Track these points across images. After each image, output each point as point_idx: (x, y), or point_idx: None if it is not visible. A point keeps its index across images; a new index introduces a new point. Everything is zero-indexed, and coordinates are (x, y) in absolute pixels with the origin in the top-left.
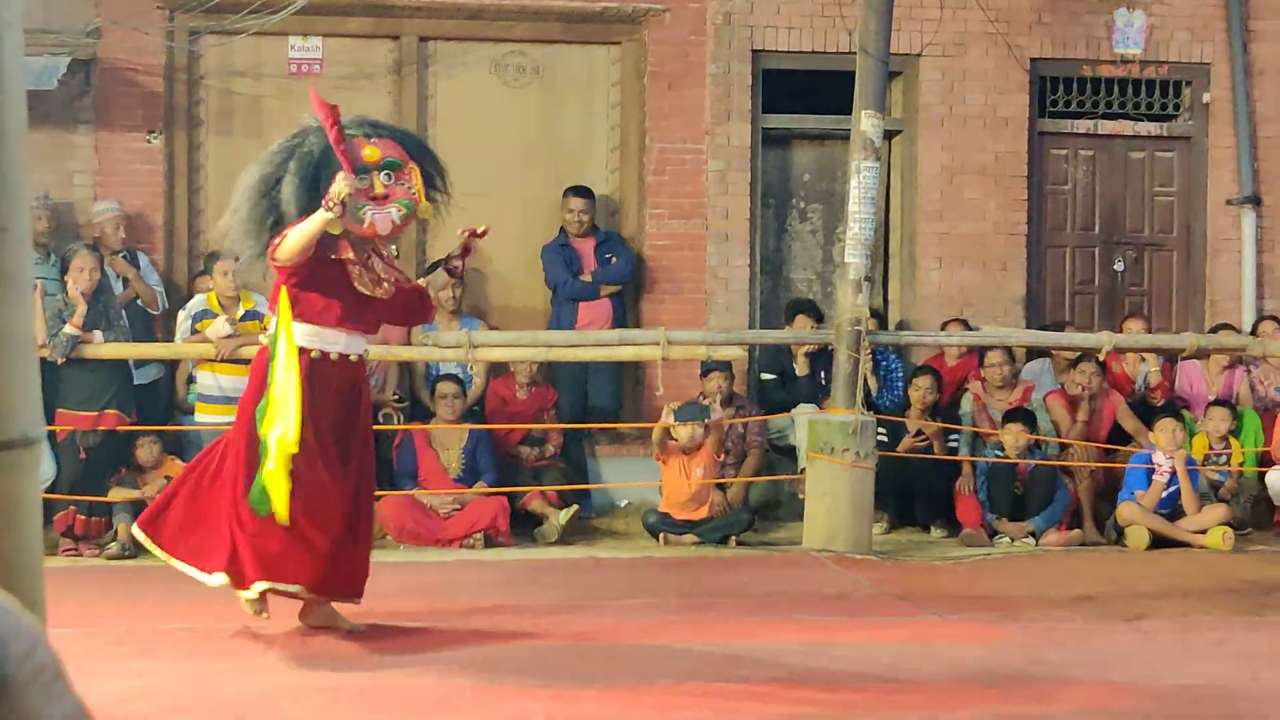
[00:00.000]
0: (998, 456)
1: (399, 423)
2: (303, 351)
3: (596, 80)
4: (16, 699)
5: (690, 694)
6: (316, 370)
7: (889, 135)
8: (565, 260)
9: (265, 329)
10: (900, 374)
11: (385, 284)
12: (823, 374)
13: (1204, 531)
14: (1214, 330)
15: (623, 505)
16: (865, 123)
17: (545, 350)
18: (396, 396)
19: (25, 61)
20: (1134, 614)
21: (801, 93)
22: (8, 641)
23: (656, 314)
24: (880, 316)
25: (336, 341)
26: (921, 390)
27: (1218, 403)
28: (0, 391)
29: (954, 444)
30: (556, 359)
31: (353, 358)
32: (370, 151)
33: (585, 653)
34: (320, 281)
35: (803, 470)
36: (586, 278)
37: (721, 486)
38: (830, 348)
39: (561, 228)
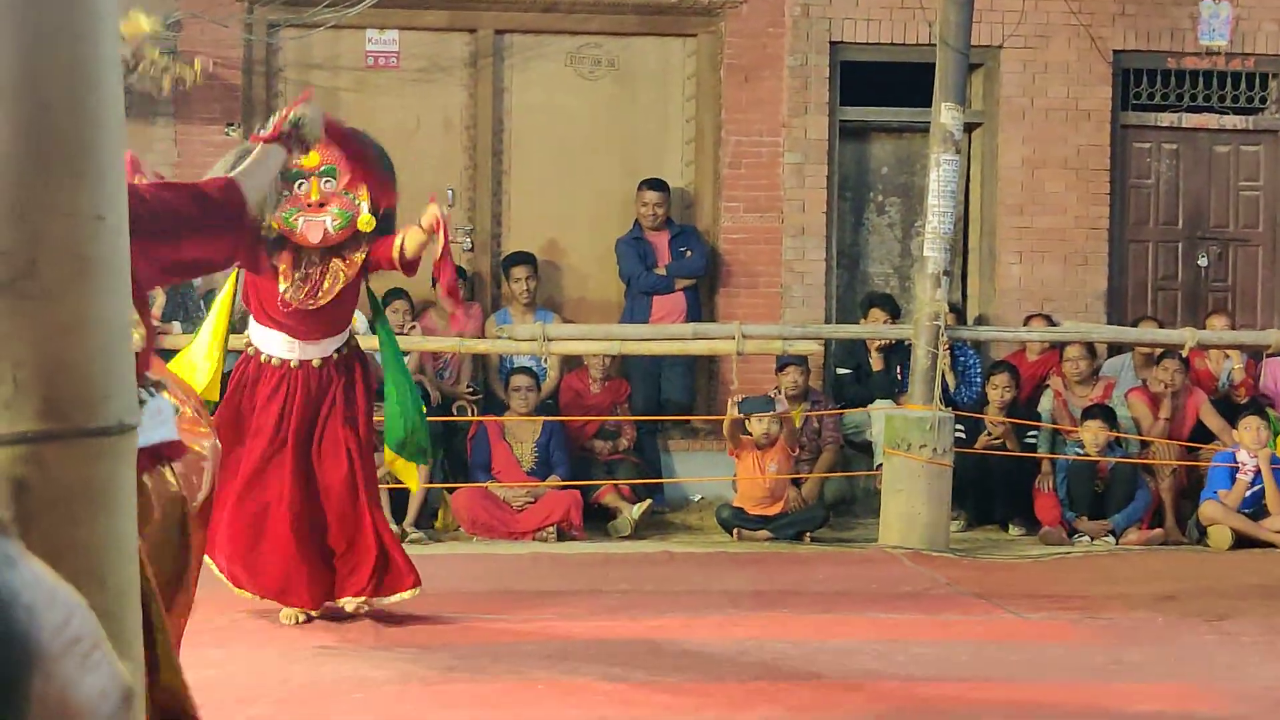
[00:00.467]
0: (1078, 454)
1: (473, 415)
2: (246, 350)
3: (672, 72)
4: (50, 669)
5: (762, 692)
6: (250, 371)
7: (969, 128)
8: (640, 253)
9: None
10: (979, 370)
11: (321, 297)
12: (899, 369)
13: None
14: None
15: (696, 500)
16: (945, 115)
17: (619, 344)
18: (470, 389)
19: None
20: (1216, 614)
21: (880, 85)
22: (42, 610)
23: (731, 308)
24: (959, 311)
25: (274, 345)
26: (1000, 388)
27: None
28: (97, 379)
29: (1033, 440)
30: (630, 353)
31: (302, 363)
32: (309, 157)
33: (657, 647)
34: (262, 284)
35: (879, 466)
36: (661, 271)
37: (796, 482)
38: (907, 343)
39: (636, 221)
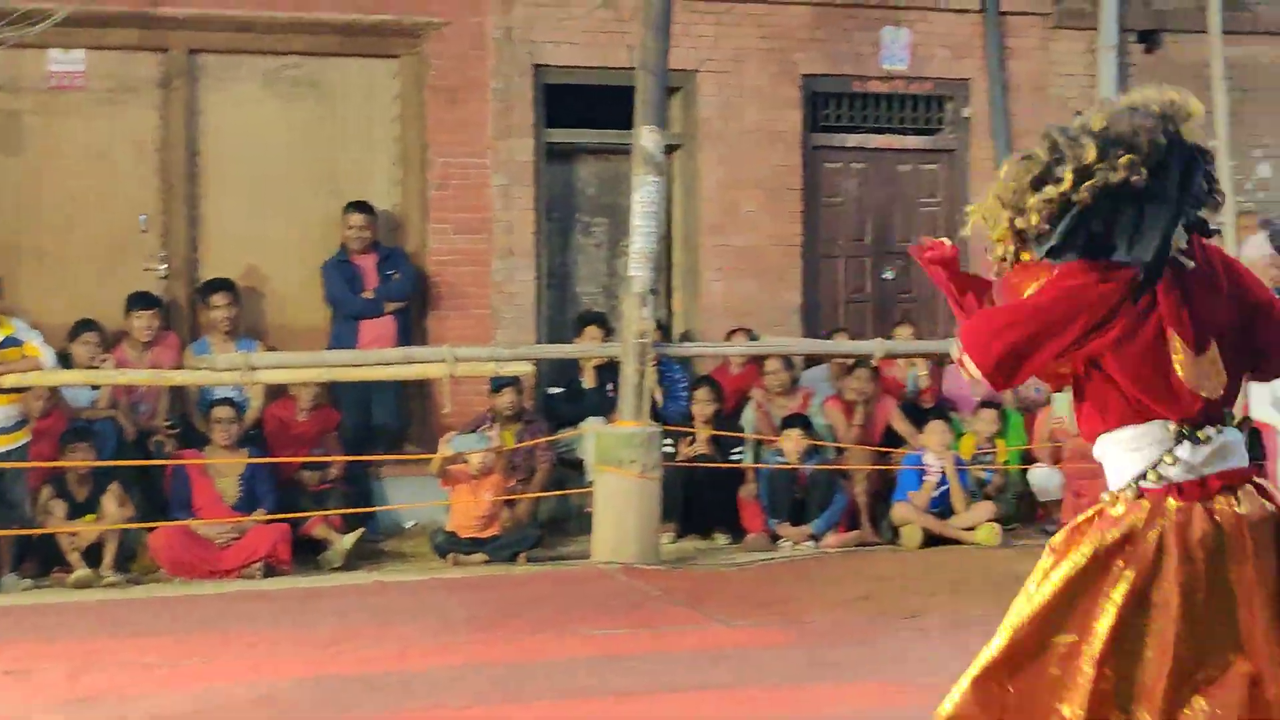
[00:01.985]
0: (779, 463)
1: (171, 451)
2: None
3: (376, 93)
4: None
5: (479, 718)
6: None
7: (670, 149)
8: (346, 277)
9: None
10: (685, 384)
11: None
12: (609, 386)
13: (973, 528)
14: None
15: (410, 526)
16: (646, 138)
17: (327, 371)
18: (168, 423)
19: None
20: (910, 611)
21: (584, 107)
22: None
23: (441, 330)
24: (665, 328)
25: None
26: (703, 401)
27: (984, 404)
28: None
29: (739, 453)
30: (339, 379)
31: None
32: None
33: (370, 681)
34: None
35: (591, 483)
36: (369, 294)
37: (510, 503)
38: (617, 361)
39: (342, 244)
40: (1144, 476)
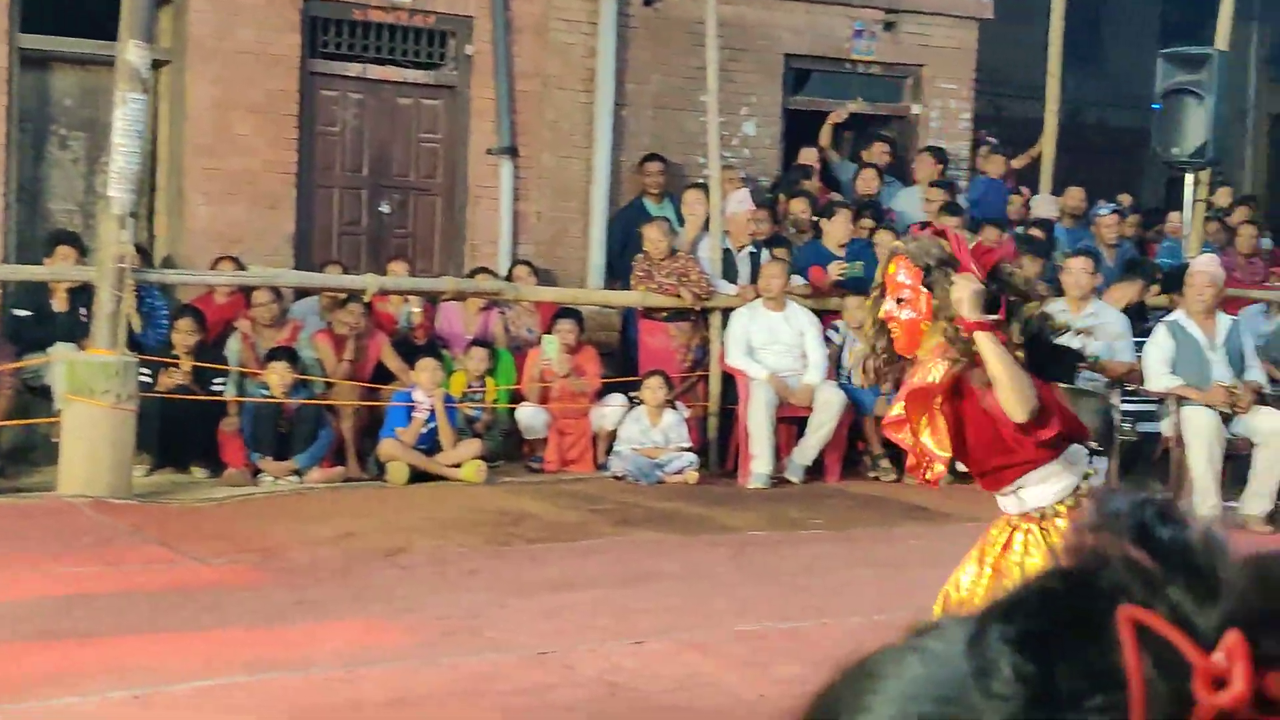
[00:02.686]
0: (264, 396)
1: None
2: None
3: None
4: None
5: None
6: None
7: (157, 65)
8: None
9: None
10: (166, 311)
11: None
12: (83, 311)
13: (460, 465)
14: (473, 274)
15: None
16: (131, 53)
17: None
18: None
19: None
20: (394, 548)
21: (63, 14)
22: None
23: None
24: (146, 252)
25: None
26: (185, 331)
27: (476, 343)
28: None
29: (222, 384)
30: None
31: None
32: None
33: None
34: None
35: (59, 412)
36: None
37: None
38: (92, 285)
39: None
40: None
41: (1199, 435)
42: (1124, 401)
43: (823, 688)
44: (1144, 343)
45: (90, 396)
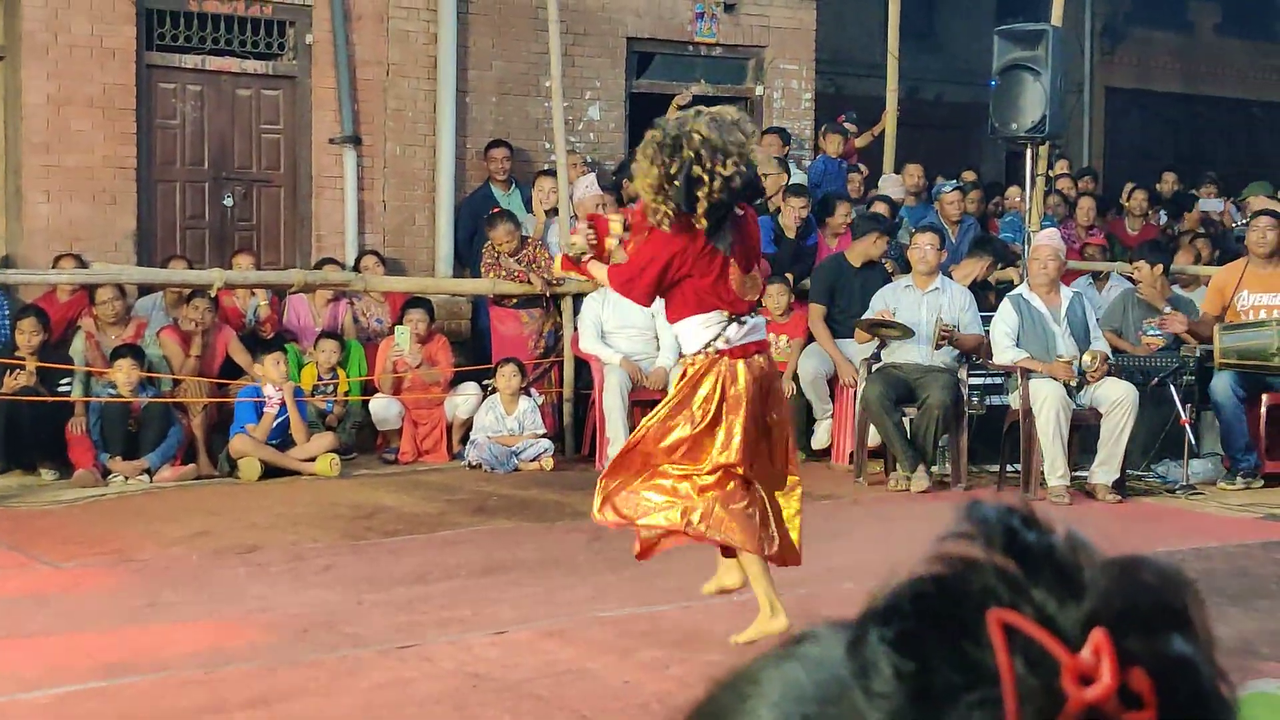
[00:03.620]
0: (111, 394)
1: None
2: None
3: None
4: None
5: None
6: None
7: None
8: None
9: None
10: (7, 312)
11: None
12: None
13: (313, 459)
14: (319, 265)
15: None
16: None
17: None
18: None
19: None
20: (247, 546)
21: None
22: None
23: None
24: None
25: None
26: (28, 332)
27: (325, 335)
28: None
29: (68, 384)
30: None
31: None
32: None
33: None
34: None
35: None
36: None
37: None
38: None
39: None
40: (710, 344)
41: (1046, 407)
42: (971, 375)
43: (702, 697)
44: (990, 317)
45: None
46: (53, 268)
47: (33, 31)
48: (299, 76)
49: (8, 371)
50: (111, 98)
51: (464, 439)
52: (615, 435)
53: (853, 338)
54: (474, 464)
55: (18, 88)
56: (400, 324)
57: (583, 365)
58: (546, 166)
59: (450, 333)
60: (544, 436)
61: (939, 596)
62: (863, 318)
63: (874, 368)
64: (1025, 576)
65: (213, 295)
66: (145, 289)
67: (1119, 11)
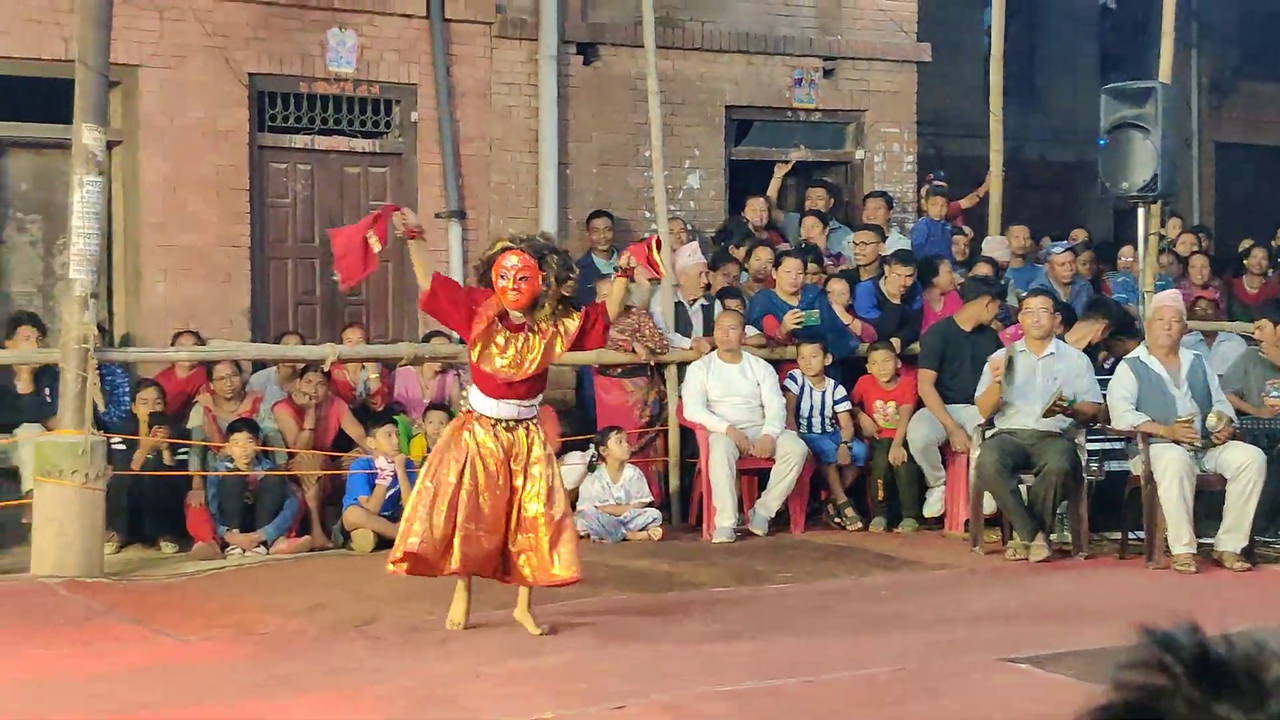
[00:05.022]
0: (228, 468)
1: None
2: None
3: None
4: None
5: None
6: None
7: (110, 145)
8: None
9: None
10: (127, 387)
11: None
12: (47, 391)
13: None
14: (427, 338)
15: None
16: (87, 136)
17: None
18: None
19: None
20: (364, 619)
21: (17, 99)
22: None
23: None
24: (105, 330)
25: None
26: (148, 402)
27: (434, 406)
28: None
29: (184, 457)
30: None
31: None
32: None
33: None
34: None
35: (28, 493)
36: None
37: None
38: (54, 365)
39: None
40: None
41: (1169, 472)
42: (1090, 440)
43: None
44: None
45: (59, 477)
46: (171, 344)
47: (150, 115)
48: (405, 153)
49: (145, 448)
50: (225, 178)
51: (570, 508)
52: (722, 504)
53: (964, 403)
54: (582, 534)
55: (135, 170)
56: None
57: (688, 433)
58: (647, 235)
59: (555, 402)
60: (651, 506)
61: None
62: (979, 395)
63: (988, 434)
64: (1209, 695)
65: (325, 369)
66: (260, 364)
67: (1226, 66)
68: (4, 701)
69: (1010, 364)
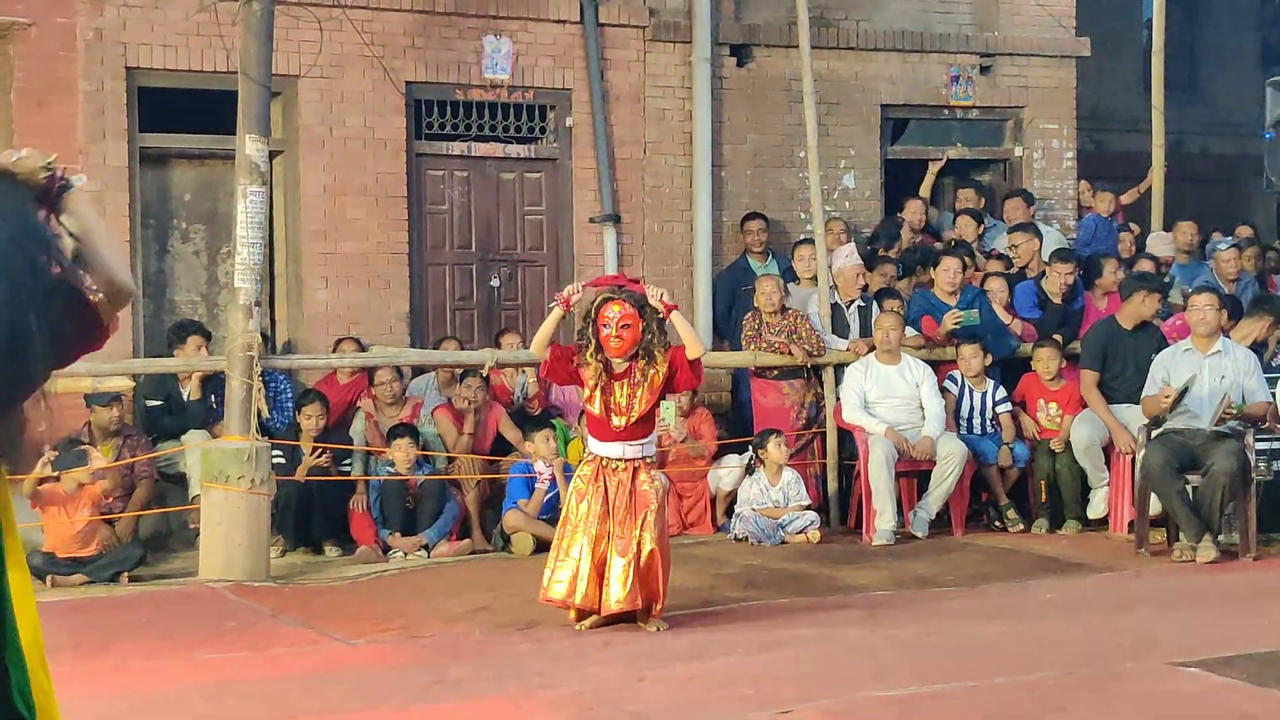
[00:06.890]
0: (389, 473)
1: None
2: None
3: None
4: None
5: None
6: None
7: (271, 155)
8: None
9: None
10: (290, 394)
11: None
12: (213, 398)
13: None
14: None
15: None
16: (250, 147)
17: None
18: None
19: None
20: (527, 622)
21: (180, 111)
22: None
23: None
24: (268, 338)
25: None
26: (312, 416)
27: None
28: None
29: (348, 464)
30: None
31: None
32: None
33: None
34: None
35: (195, 499)
36: None
37: (109, 521)
38: (220, 372)
39: None
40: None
41: None
42: (1258, 440)
43: None
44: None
45: (225, 482)
46: (333, 351)
47: (309, 125)
48: (560, 159)
49: (305, 455)
50: (384, 186)
51: (728, 511)
52: (881, 506)
53: (1128, 403)
54: (740, 537)
55: (297, 179)
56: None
57: (845, 436)
58: (803, 236)
59: (711, 405)
60: (809, 508)
61: None
62: (1146, 397)
63: (1154, 434)
64: None
65: (484, 374)
66: (419, 369)
67: None
68: (182, 706)
69: (1182, 395)
